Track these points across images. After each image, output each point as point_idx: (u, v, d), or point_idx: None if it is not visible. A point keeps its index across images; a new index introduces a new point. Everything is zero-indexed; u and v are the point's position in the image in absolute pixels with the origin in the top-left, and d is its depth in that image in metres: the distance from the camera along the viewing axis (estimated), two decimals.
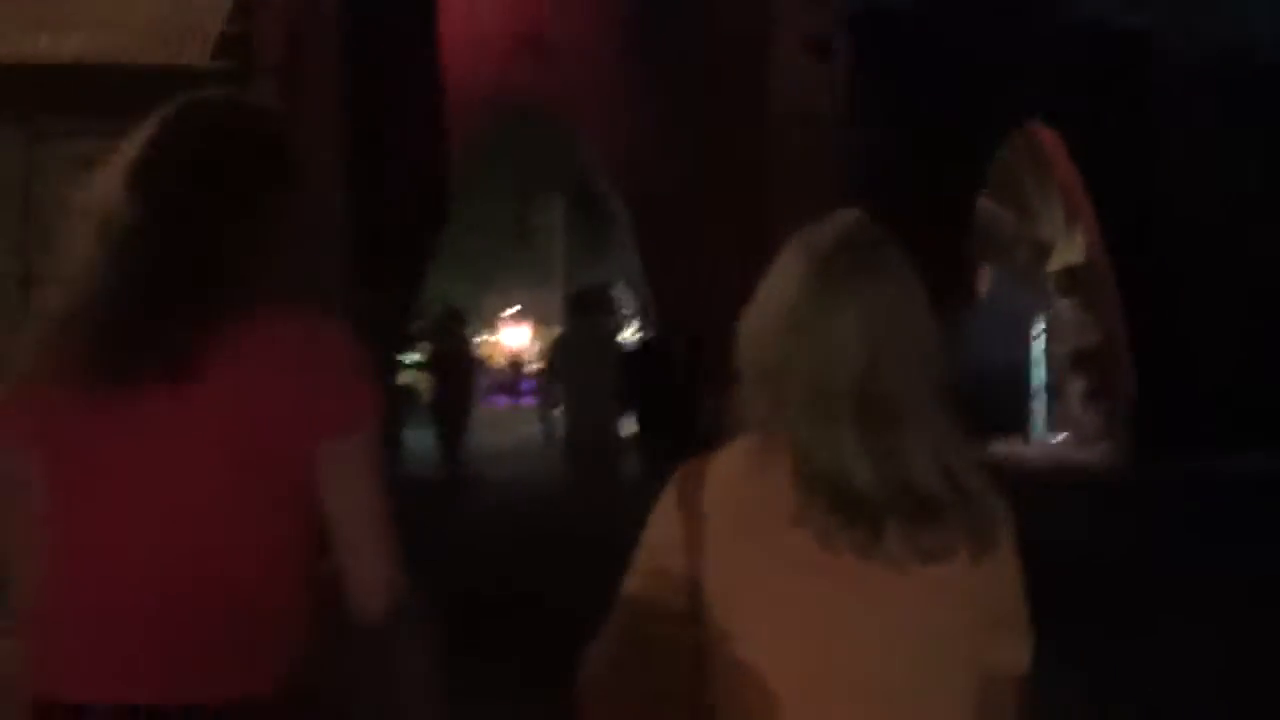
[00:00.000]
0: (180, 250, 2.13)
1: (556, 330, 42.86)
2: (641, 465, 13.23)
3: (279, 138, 2.30)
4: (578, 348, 12.63)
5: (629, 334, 22.69)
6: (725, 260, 15.50)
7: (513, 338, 45.98)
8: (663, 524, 2.10)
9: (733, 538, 2.03)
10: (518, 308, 44.45)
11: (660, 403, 13.19)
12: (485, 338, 48.30)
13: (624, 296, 26.66)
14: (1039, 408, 23.54)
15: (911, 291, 2.07)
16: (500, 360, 44.29)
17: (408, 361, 49.80)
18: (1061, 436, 22.76)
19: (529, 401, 33.95)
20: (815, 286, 2.02)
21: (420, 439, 17.17)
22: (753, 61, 15.88)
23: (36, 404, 2.12)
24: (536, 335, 43.61)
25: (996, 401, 19.33)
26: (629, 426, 13.29)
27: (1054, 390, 23.27)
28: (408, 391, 34.89)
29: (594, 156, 17.97)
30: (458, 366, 16.52)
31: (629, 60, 16.36)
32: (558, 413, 12.87)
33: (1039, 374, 23.58)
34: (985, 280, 22.54)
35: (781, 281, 2.06)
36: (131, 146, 2.18)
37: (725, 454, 2.10)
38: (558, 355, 13.28)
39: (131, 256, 2.12)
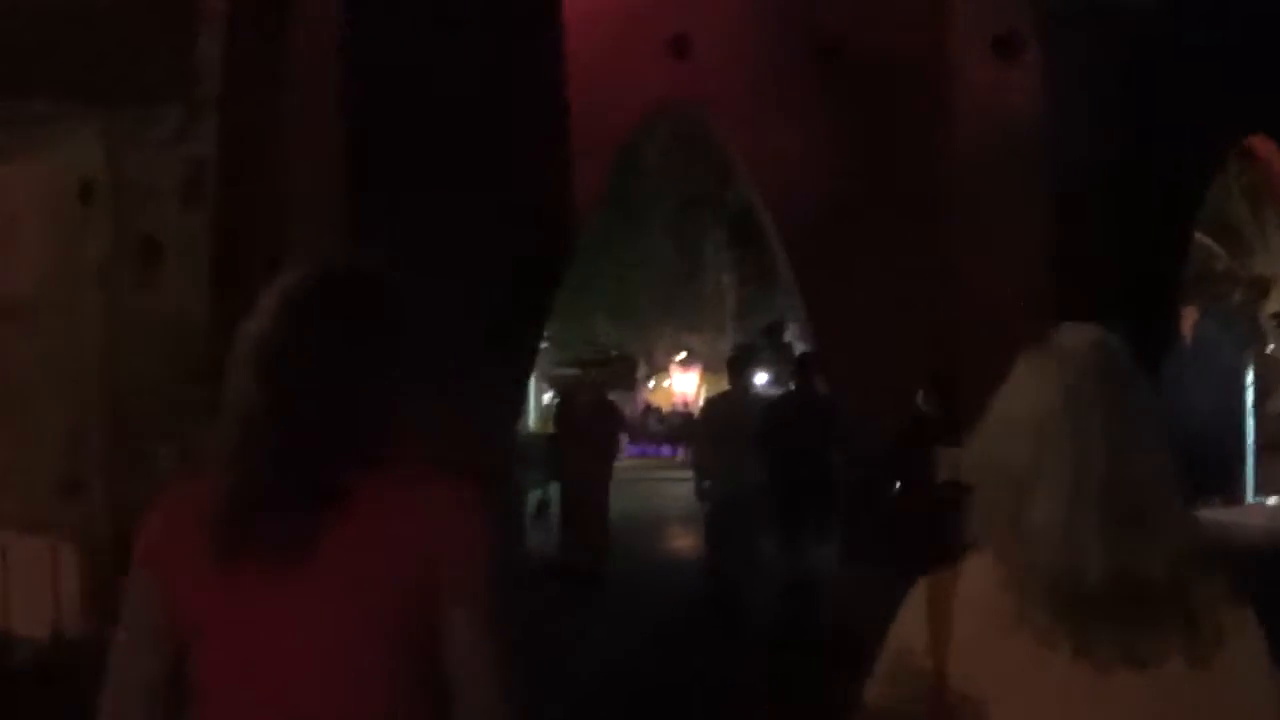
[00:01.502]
0: (306, 432, 2.27)
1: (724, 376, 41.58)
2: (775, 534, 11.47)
3: (392, 299, 2.42)
4: (724, 411, 12.03)
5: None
6: (899, 295, 13.92)
7: (682, 384, 44.07)
8: (911, 628, 2.24)
9: (977, 646, 2.16)
10: (685, 353, 42.63)
11: (791, 463, 11.04)
12: (653, 384, 47.07)
13: (793, 341, 25.05)
14: (1253, 467, 21.21)
15: (1146, 398, 2.24)
16: (668, 408, 42.84)
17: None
18: (1275, 500, 20.47)
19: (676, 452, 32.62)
20: (1066, 405, 2.17)
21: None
22: (931, 63, 13.94)
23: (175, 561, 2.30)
24: (704, 381, 41.75)
25: (1205, 461, 17.20)
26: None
27: (1268, 448, 20.90)
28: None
29: (747, 175, 15.75)
30: (591, 427, 14.15)
31: (786, 63, 14.34)
32: (707, 483, 12.07)
33: (1252, 429, 21.24)
34: (1190, 323, 20.53)
35: (1023, 399, 2.23)
36: (256, 324, 2.33)
37: (972, 563, 2.24)
38: (704, 418, 12.86)
39: (260, 442, 2.26)
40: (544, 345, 41.67)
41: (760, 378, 37.12)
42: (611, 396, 48.37)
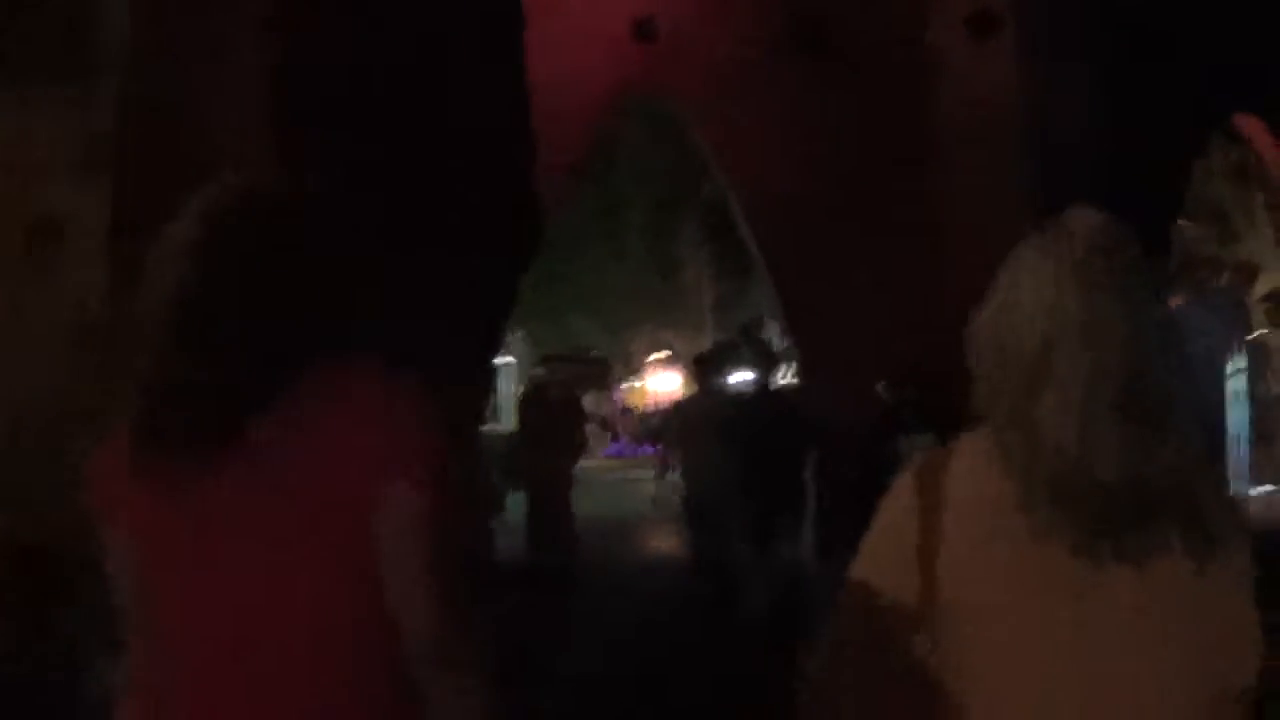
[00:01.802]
0: (235, 312, 2.22)
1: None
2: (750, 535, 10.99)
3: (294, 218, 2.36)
4: (693, 412, 11.90)
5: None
6: (877, 287, 13.47)
7: (662, 384, 43.38)
8: (897, 510, 2.22)
9: (970, 529, 2.13)
10: (666, 352, 42.02)
11: (761, 462, 10.65)
12: (631, 384, 46.62)
13: (774, 337, 24.59)
14: (1238, 456, 20.78)
15: (1158, 296, 2.23)
16: (645, 408, 42.34)
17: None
18: (1267, 489, 20.04)
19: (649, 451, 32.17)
20: (1078, 283, 2.11)
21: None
22: (907, 44, 13.47)
23: (117, 469, 2.27)
24: (687, 381, 41.17)
25: None
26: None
27: (1263, 436, 20.49)
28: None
29: (716, 165, 15.24)
30: (555, 422, 13.67)
31: (755, 48, 13.79)
32: (670, 477, 12.26)
33: (1238, 417, 20.83)
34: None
35: (1032, 279, 2.15)
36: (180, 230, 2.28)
37: (967, 446, 2.21)
38: (675, 420, 12.77)
39: (191, 324, 2.21)
40: (519, 343, 41.54)
41: (741, 376, 36.84)
42: (587, 396, 48.09)
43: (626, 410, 44.87)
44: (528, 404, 14.45)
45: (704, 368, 12.47)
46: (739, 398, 12.31)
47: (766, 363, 12.91)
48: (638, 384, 46.09)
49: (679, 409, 13.36)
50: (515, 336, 40.63)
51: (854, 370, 12.60)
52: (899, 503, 2.22)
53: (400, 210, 8.02)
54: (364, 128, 7.69)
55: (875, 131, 13.61)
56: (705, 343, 36.29)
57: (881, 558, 2.22)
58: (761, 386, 11.89)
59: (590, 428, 41.65)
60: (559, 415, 13.58)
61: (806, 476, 11.27)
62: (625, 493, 23.13)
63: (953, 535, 2.12)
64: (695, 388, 12.66)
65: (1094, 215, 2.21)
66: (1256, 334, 20.08)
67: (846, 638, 2.24)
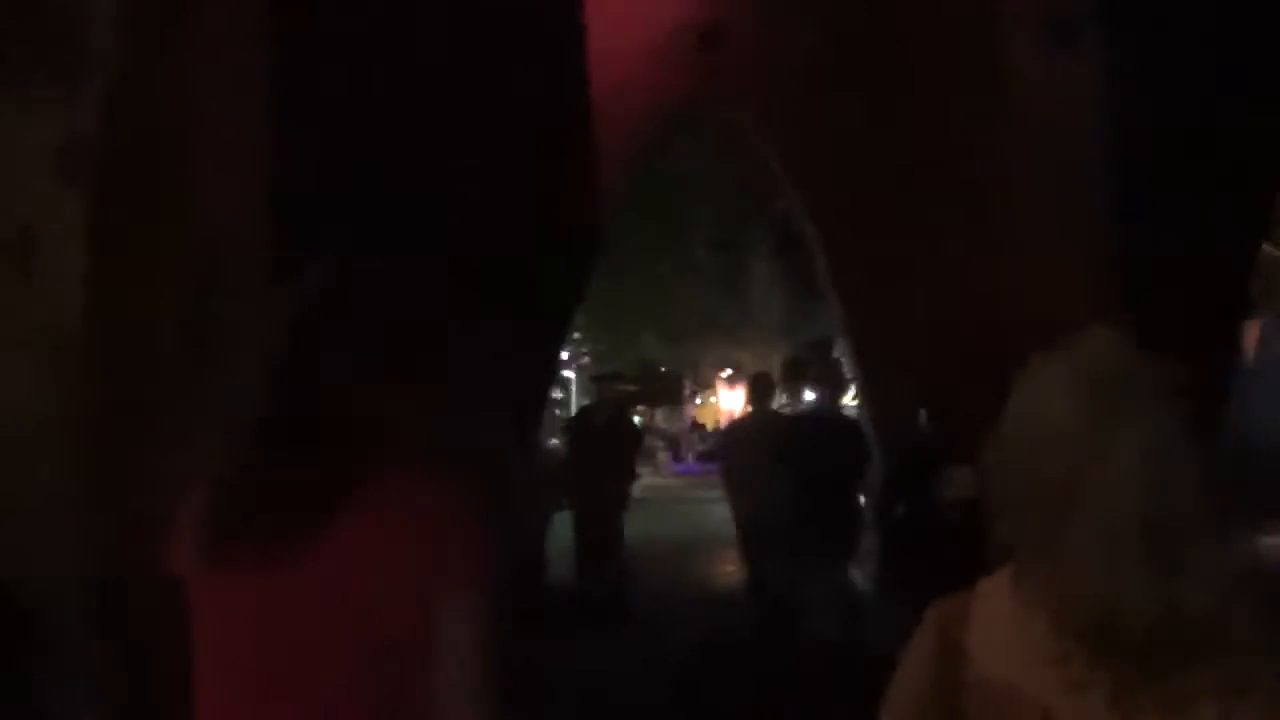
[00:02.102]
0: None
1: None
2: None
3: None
4: (743, 434, 11.27)
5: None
6: (941, 300, 12.95)
7: (730, 401, 42.94)
8: (918, 660, 2.16)
9: (996, 684, 2.04)
10: (730, 370, 41.58)
11: (812, 485, 10.11)
12: (700, 401, 46.28)
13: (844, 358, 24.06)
14: None
15: (1184, 418, 2.04)
16: (714, 425, 41.95)
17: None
18: None
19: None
20: (1092, 411, 2.04)
21: None
22: (978, 49, 12.94)
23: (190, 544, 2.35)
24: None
25: (1271, 481, 16.16)
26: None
27: None
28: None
29: (783, 173, 14.64)
30: (606, 446, 13.17)
31: (820, 51, 13.35)
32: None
33: None
34: (1254, 334, 19.49)
35: (1046, 407, 2.08)
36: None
37: (991, 589, 2.13)
38: (724, 442, 12.06)
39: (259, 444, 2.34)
40: (586, 362, 41.25)
41: (808, 396, 36.30)
42: (660, 412, 47.60)
43: (696, 427, 44.60)
44: (574, 427, 14.06)
45: (757, 385, 11.87)
46: (794, 417, 11.87)
47: (834, 382, 12.53)
48: (712, 400, 45.83)
49: (730, 428, 12.78)
50: (581, 355, 40.44)
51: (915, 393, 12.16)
52: (920, 652, 2.16)
53: (425, 241, 7.22)
54: (370, 129, 7.18)
55: (945, 140, 13.11)
56: (775, 360, 35.90)
57: (900, 711, 2.18)
58: (822, 407, 11.48)
59: (658, 444, 41.60)
60: (605, 437, 13.13)
61: (861, 502, 10.75)
62: (693, 513, 22.65)
63: (978, 691, 2.06)
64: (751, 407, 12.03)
65: (1110, 335, 2.14)
66: None
67: None
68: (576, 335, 34.72)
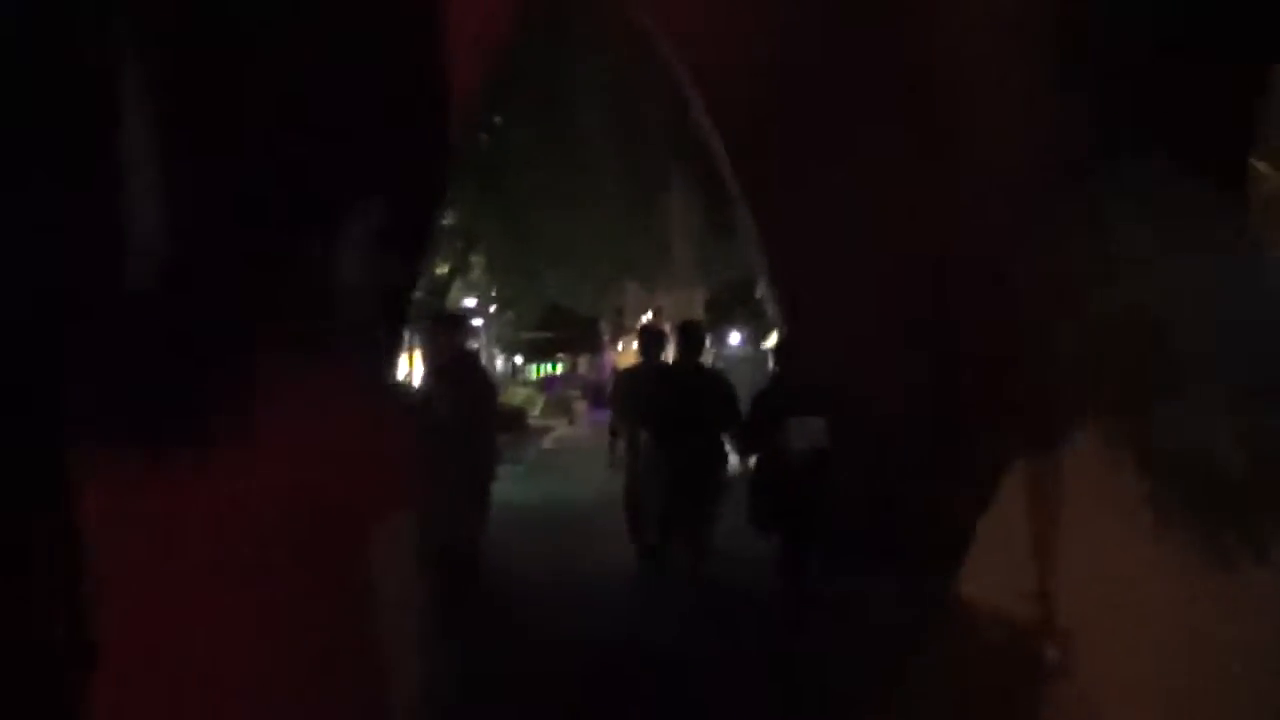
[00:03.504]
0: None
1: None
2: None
3: None
4: (630, 385, 11.13)
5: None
6: (880, 224, 10.86)
7: None
8: (1006, 514, 2.10)
9: (1089, 530, 2.00)
10: (650, 312, 39.10)
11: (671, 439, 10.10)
12: (621, 348, 44.39)
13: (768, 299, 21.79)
14: None
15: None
16: None
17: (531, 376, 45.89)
18: None
19: None
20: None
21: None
22: None
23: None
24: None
25: None
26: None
27: None
28: (518, 415, 30.19)
29: (679, 73, 12.17)
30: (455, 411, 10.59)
31: None
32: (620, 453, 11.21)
33: None
34: None
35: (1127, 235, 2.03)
36: None
37: (1082, 440, 2.05)
38: (613, 393, 11.98)
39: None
40: (494, 308, 38.95)
41: (733, 339, 34.28)
42: (580, 361, 45.64)
43: (615, 373, 42.73)
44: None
45: (645, 340, 11.18)
46: (661, 369, 11.05)
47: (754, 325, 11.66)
48: (634, 346, 43.79)
49: (618, 382, 12.17)
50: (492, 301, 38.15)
51: (851, 329, 10.85)
52: (1008, 506, 2.09)
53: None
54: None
55: (871, 22, 10.78)
56: (698, 303, 33.72)
57: (992, 568, 2.09)
58: (672, 362, 10.93)
59: (573, 393, 39.53)
60: (453, 398, 10.44)
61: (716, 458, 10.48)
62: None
63: (1072, 544, 2.00)
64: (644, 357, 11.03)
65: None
66: None
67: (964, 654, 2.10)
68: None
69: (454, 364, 10.16)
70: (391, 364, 11.01)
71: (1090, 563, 1.98)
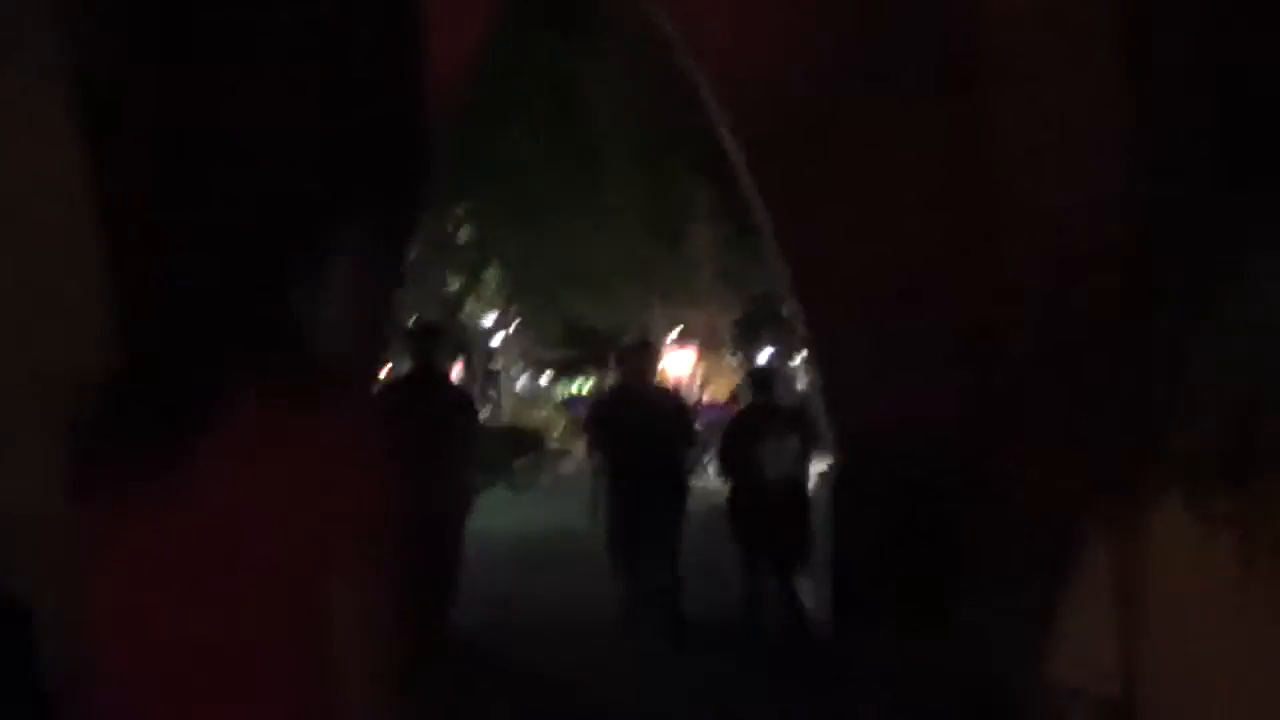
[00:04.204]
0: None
1: (725, 356, 36.98)
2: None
3: None
4: (609, 409, 11.12)
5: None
6: (910, 228, 10.06)
7: (677, 365, 39.43)
8: (1093, 592, 1.99)
9: (1185, 616, 1.88)
10: (678, 329, 37.92)
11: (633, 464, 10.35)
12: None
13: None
14: None
15: None
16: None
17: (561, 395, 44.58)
18: None
19: None
20: None
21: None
22: None
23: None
24: (701, 360, 37.43)
25: None
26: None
27: None
28: (534, 437, 29.06)
29: (713, 93, 11.32)
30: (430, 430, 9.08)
31: None
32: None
33: None
34: None
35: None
36: None
37: (1170, 504, 1.92)
38: (589, 418, 11.65)
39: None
40: (516, 324, 38.05)
41: (764, 354, 33.36)
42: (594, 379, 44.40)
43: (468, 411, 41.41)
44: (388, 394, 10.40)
45: (622, 360, 11.42)
46: (622, 395, 11.12)
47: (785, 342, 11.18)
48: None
49: (595, 407, 12.05)
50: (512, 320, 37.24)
51: (877, 340, 10.16)
52: (1091, 587, 1.96)
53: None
54: None
55: (907, 14, 9.94)
56: (724, 320, 32.74)
57: (1078, 646, 1.97)
58: (648, 385, 11.21)
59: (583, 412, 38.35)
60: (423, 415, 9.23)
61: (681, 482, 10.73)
62: None
63: (1163, 626, 1.87)
64: (721, 367, 10.79)
65: None
66: None
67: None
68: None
69: (412, 380, 9.55)
70: (374, 377, 10.17)
71: (1177, 643, 1.86)
